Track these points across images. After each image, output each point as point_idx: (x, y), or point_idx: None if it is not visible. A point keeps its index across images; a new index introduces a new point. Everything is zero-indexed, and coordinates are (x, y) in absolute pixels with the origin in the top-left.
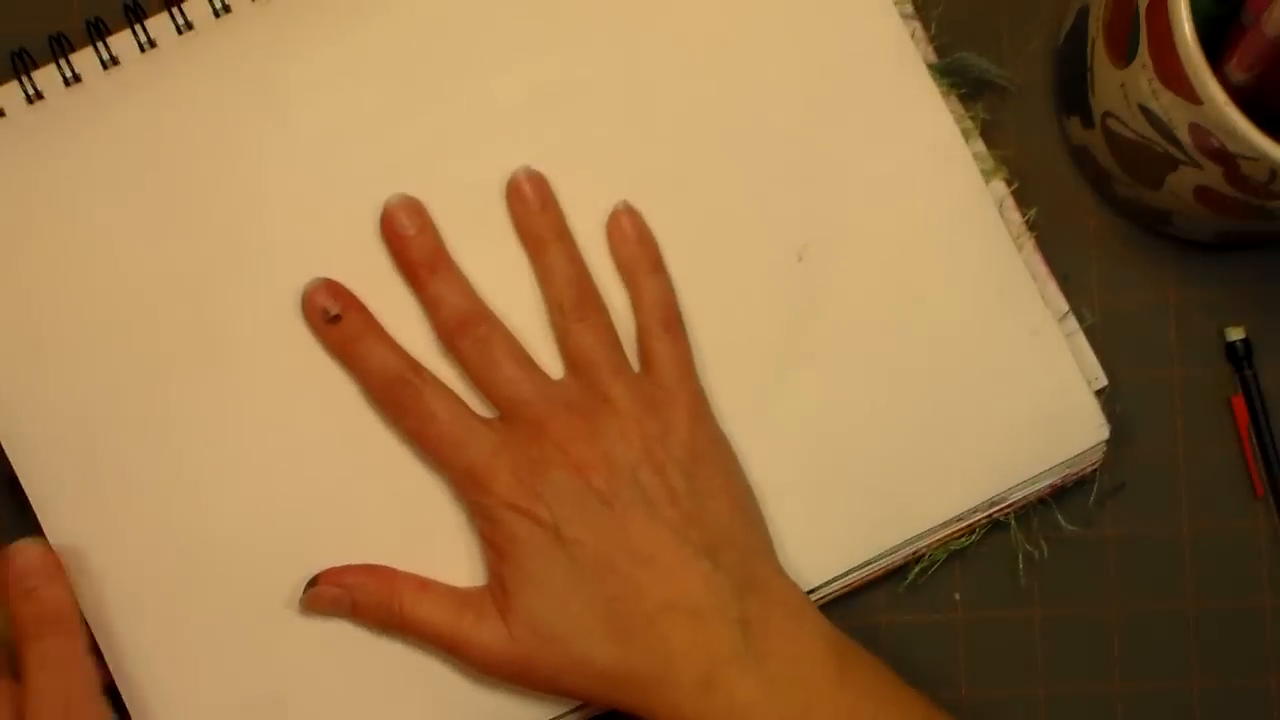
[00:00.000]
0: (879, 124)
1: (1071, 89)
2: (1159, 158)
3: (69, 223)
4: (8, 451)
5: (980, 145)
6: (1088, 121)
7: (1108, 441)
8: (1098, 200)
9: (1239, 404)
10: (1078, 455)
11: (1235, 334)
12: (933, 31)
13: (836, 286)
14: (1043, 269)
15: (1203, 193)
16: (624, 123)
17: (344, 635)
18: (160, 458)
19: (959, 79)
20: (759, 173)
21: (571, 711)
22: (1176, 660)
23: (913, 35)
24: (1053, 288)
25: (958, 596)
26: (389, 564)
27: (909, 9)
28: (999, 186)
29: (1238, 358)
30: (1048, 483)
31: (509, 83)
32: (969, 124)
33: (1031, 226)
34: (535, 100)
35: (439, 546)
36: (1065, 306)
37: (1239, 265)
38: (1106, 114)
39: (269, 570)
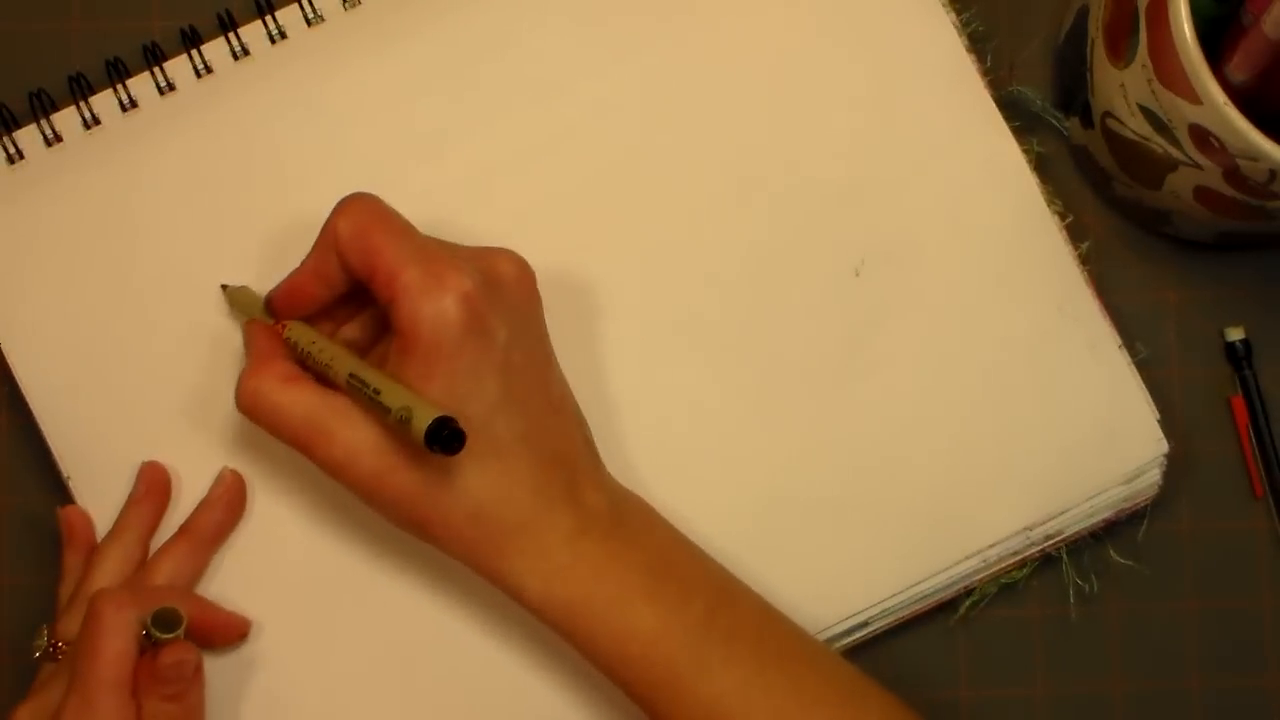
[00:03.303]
0: (938, 140)
1: (1071, 89)
2: (1159, 158)
3: (126, 242)
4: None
5: (1036, 178)
6: (1088, 121)
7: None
8: (1098, 200)
9: (1239, 404)
10: (1136, 469)
11: (1235, 334)
12: None
13: (894, 302)
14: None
15: (1203, 193)
16: (685, 139)
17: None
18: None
19: (1013, 112)
20: (817, 188)
21: None
22: (1176, 660)
23: None
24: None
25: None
26: None
27: (967, 42)
28: (1054, 220)
29: (1238, 358)
30: (1103, 516)
31: (567, 101)
32: (1025, 156)
33: (1084, 260)
34: (591, 120)
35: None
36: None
37: (1239, 265)
38: (1106, 114)
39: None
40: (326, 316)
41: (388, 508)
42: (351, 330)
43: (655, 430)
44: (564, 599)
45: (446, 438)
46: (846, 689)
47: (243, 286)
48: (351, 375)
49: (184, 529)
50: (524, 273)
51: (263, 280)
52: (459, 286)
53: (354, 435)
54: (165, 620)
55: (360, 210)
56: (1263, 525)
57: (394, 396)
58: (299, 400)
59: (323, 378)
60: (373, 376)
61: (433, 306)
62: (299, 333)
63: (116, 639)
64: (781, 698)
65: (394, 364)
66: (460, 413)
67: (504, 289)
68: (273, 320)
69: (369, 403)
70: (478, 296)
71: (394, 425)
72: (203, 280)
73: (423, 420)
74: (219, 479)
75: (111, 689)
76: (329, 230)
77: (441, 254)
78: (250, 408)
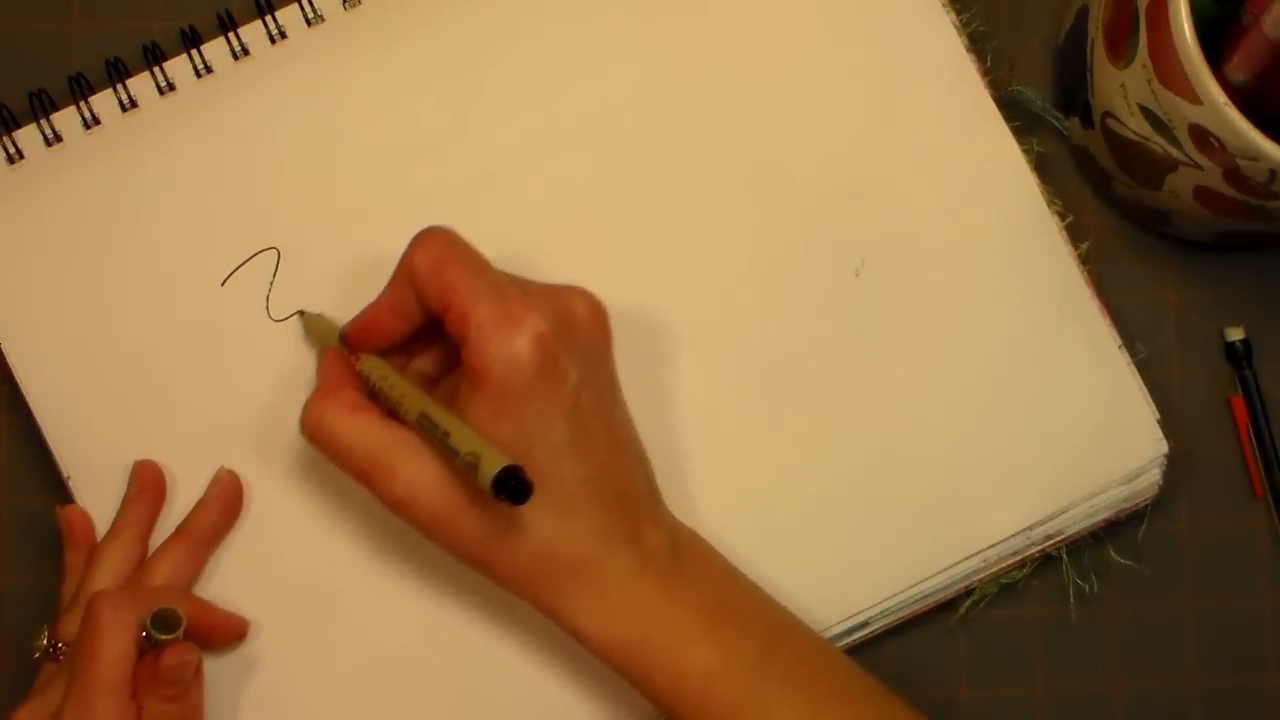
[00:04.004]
0: (938, 140)
1: (1072, 89)
2: (1159, 158)
3: (127, 242)
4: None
5: (1036, 178)
6: (1088, 121)
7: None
8: (1098, 200)
9: (1239, 404)
10: (1136, 469)
11: (1235, 334)
12: None
13: (893, 302)
14: (1096, 302)
15: (1202, 193)
16: (685, 140)
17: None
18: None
19: (1013, 112)
20: (817, 188)
21: None
22: (1176, 660)
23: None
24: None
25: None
26: None
27: (967, 42)
28: (1054, 220)
29: (1238, 358)
30: (1103, 516)
31: (567, 101)
32: (1024, 156)
33: (1084, 260)
34: (590, 119)
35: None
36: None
37: (1239, 265)
38: (1106, 114)
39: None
40: (399, 348)
41: (448, 546)
42: (423, 363)
43: (655, 430)
44: (622, 639)
45: (514, 487)
46: None
47: (319, 314)
48: (422, 414)
49: (181, 529)
50: (597, 312)
51: (266, 280)
52: (533, 327)
53: (417, 472)
54: (164, 621)
55: (436, 244)
56: (1263, 525)
57: (463, 440)
58: (364, 431)
59: (391, 412)
60: (443, 418)
61: (505, 347)
62: (371, 366)
63: (115, 640)
64: None
65: (463, 401)
66: (527, 455)
67: (577, 329)
68: (347, 351)
69: (438, 444)
70: (551, 338)
71: (461, 469)
72: (203, 280)
73: (491, 468)
74: (215, 479)
75: (111, 690)
76: (405, 264)
77: (516, 292)
78: (313, 433)
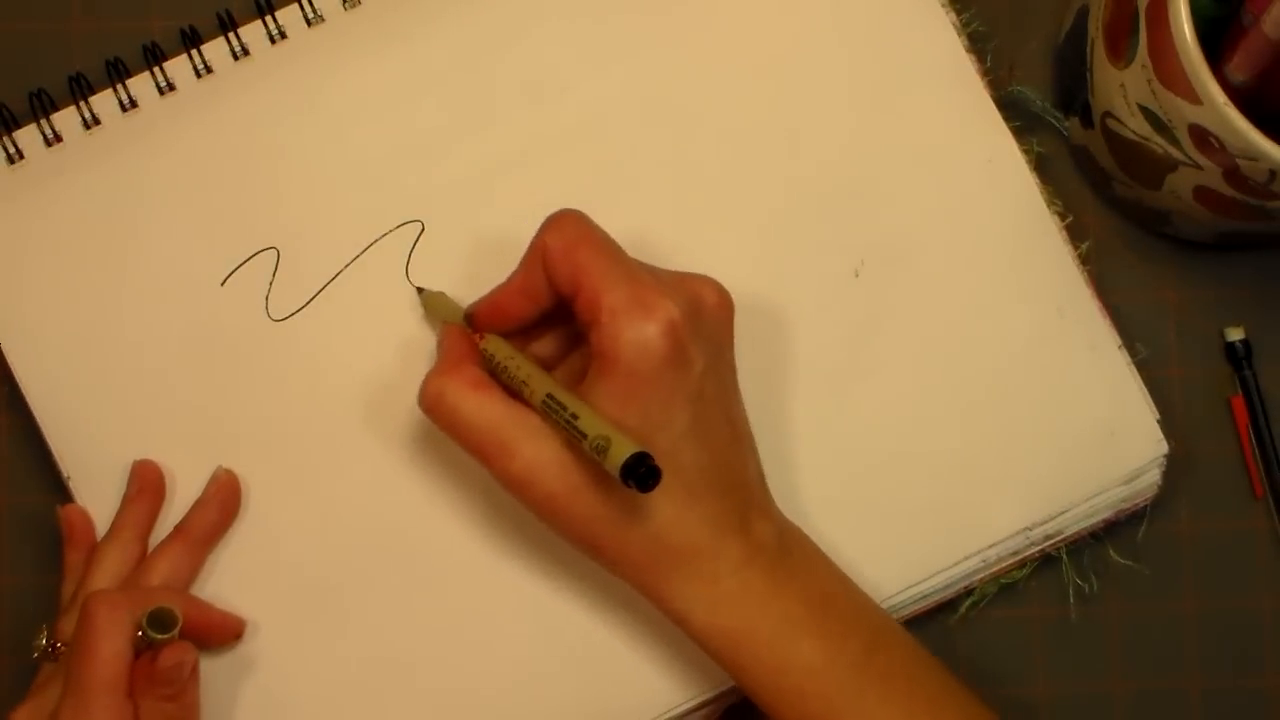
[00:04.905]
0: (938, 140)
1: (1072, 89)
2: (1159, 158)
3: (127, 242)
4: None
5: (1035, 178)
6: (1088, 121)
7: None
8: (1098, 200)
9: (1239, 404)
10: (1135, 469)
11: (1235, 334)
12: None
13: (893, 302)
14: (1096, 302)
15: (1203, 193)
16: (684, 140)
17: None
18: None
19: (1013, 112)
20: (817, 188)
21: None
22: (1176, 660)
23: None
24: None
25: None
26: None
27: (967, 42)
28: (1053, 220)
29: (1238, 358)
30: (1102, 517)
31: (566, 101)
32: (1024, 156)
33: (1084, 260)
34: (590, 119)
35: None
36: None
37: (1239, 265)
38: (1106, 114)
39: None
40: (520, 332)
41: (561, 527)
42: (541, 347)
43: None
44: (727, 628)
45: (643, 474)
46: None
47: (439, 292)
48: (549, 396)
49: (179, 529)
50: (724, 301)
51: (266, 278)
52: (665, 314)
53: (536, 453)
54: (160, 620)
55: (570, 226)
56: (1263, 525)
57: (592, 424)
58: (484, 407)
59: (512, 393)
60: (570, 401)
61: (636, 333)
62: (496, 346)
63: (111, 640)
64: None
65: (587, 385)
66: (650, 441)
67: (704, 318)
68: (470, 330)
69: (562, 426)
70: (682, 325)
71: (588, 453)
72: (203, 280)
73: (621, 453)
74: (213, 478)
75: (107, 690)
76: (537, 246)
77: (648, 278)
78: (432, 407)
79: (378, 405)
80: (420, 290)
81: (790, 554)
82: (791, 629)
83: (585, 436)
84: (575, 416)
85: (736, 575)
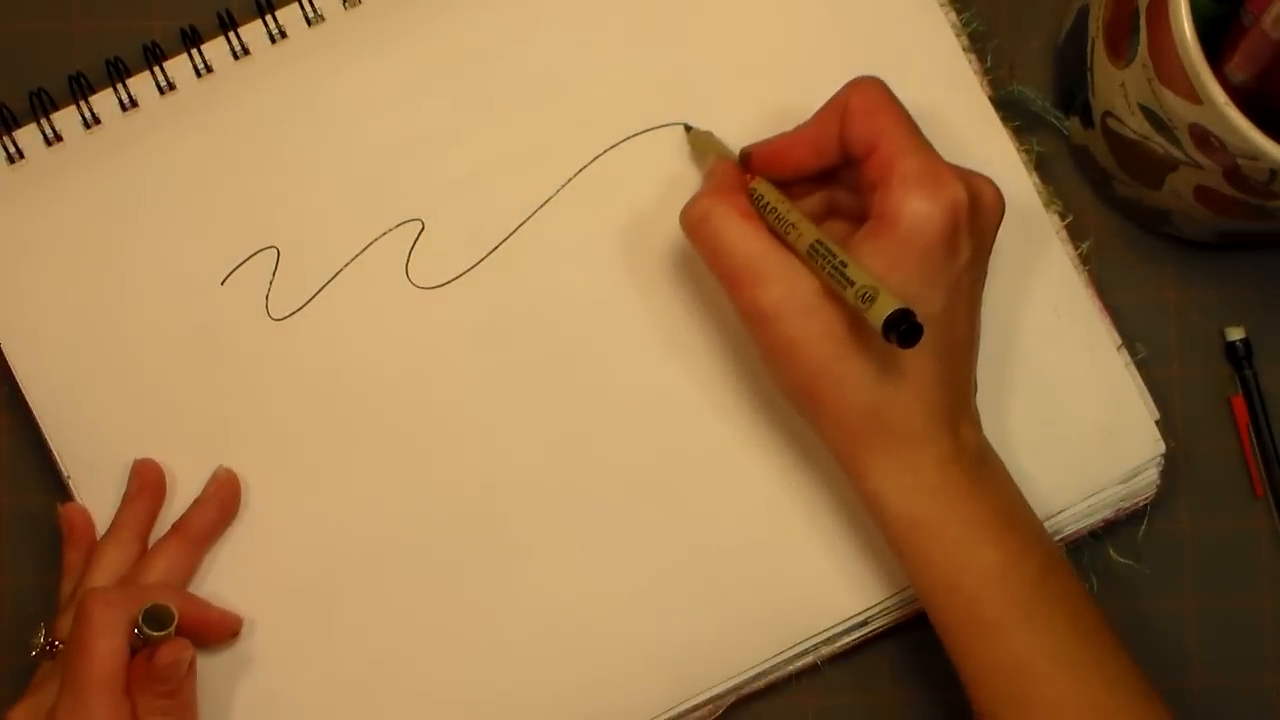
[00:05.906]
0: (936, 140)
1: (1072, 89)
2: (1159, 157)
3: (127, 242)
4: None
5: (1035, 178)
6: (1088, 121)
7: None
8: (1098, 200)
9: (1239, 404)
10: (1134, 469)
11: (1235, 334)
12: None
13: None
14: (1096, 302)
15: (1203, 193)
16: (683, 141)
17: None
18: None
19: (1013, 112)
20: None
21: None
22: (1176, 660)
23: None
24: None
25: None
26: None
27: (966, 41)
28: (1053, 220)
29: (1238, 358)
30: (1102, 516)
31: (568, 101)
32: (1023, 156)
33: (1084, 260)
34: (590, 119)
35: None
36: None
37: (1239, 265)
38: (1106, 114)
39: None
40: (787, 184)
41: (791, 374)
42: (802, 206)
43: (655, 429)
44: (918, 517)
45: (905, 330)
46: (1139, 687)
47: (708, 131)
48: (818, 241)
49: (177, 527)
50: (1000, 204)
51: (269, 279)
52: (953, 194)
53: (790, 291)
54: (156, 617)
55: (874, 90)
56: (1263, 525)
57: (860, 274)
58: (747, 237)
59: (776, 235)
60: (839, 250)
61: (922, 203)
62: (766, 188)
63: (107, 637)
64: (1086, 671)
65: (856, 241)
66: None
67: (981, 212)
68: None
69: (829, 273)
70: (964, 210)
71: (851, 301)
72: (203, 280)
73: (886, 305)
74: (213, 477)
75: (103, 687)
76: (838, 101)
77: (940, 158)
78: (694, 226)
79: (389, 396)
80: (687, 128)
81: (985, 463)
82: (979, 533)
83: (852, 284)
84: (844, 264)
85: (939, 469)
